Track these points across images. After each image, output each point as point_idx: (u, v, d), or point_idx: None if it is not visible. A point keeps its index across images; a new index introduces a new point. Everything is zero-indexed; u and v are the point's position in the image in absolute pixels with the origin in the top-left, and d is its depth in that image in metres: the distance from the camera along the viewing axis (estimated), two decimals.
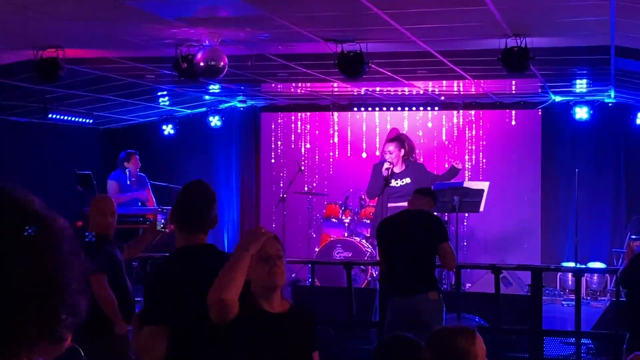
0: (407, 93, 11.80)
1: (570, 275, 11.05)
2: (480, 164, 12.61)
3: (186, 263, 3.80)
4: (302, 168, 12.63)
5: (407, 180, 9.82)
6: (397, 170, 9.88)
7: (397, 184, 9.93)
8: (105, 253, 5.44)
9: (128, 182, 10.81)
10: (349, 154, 13.10)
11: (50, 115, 11.26)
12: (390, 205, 9.90)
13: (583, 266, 10.59)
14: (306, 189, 12.61)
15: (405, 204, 9.83)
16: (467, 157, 12.66)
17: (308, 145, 13.29)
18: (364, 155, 12.97)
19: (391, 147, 9.86)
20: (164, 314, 3.64)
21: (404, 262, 6.31)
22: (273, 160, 13.41)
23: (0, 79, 8.99)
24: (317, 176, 13.14)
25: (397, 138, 10.18)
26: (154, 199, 11.14)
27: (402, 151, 9.87)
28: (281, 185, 13.04)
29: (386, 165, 9.88)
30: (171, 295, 3.67)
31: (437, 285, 6.48)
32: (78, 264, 1.30)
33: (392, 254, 6.40)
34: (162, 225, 6.42)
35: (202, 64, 7.10)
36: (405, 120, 12.85)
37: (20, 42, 7.37)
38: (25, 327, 1.22)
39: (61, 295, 1.25)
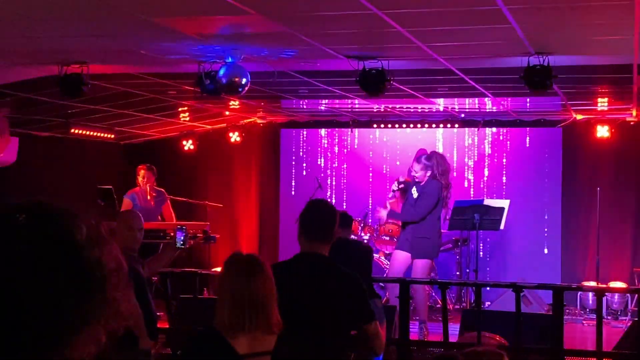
0: (427, 110, 11.80)
1: (591, 294, 10.97)
2: (501, 182, 12.57)
3: (294, 266, 4.35)
4: (321, 184, 12.63)
5: (416, 194, 9.80)
6: (420, 182, 9.89)
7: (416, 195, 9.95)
8: (132, 268, 5.47)
9: (148, 197, 10.83)
10: (369, 170, 13.09)
11: (72, 130, 11.34)
12: None
13: (604, 285, 10.52)
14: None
15: None
16: (487, 174, 12.63)
17: (328, 162, 13.30)
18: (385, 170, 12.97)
19: (417, 167, 9.85)
20: None
21: None
22: (292, 176, 13.43)
23: (23, 94, 9.07)
24: (336, 192, 13.14)
25: (426, 158, 9.95)
26: (173, 215, 11.15)
27: (429, 172, 9.74)
28: (301, 201, 13.03)
29: (394, 186, 9.99)
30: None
31: None
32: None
33: None
34: (181, 243, 6.42)
35: (224, 80, 7.14)
36: (425, 138, 12.83)
37: (45, 58, 7.44)
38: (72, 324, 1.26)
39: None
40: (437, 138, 12.81)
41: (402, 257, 9.90)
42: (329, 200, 4.63)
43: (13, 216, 1.29)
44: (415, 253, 9.60)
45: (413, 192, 9.85)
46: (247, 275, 3.50)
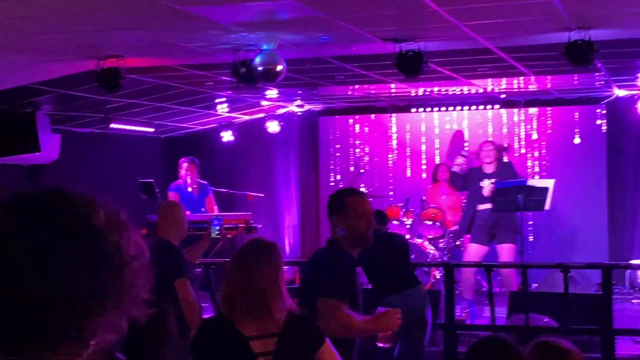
0: (466, 92, 11.66)
1: None
2: (545, 162, 12.41)
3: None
4: (362, 171, 12.58)
5: (493, 180, 9.89)
6: (489, 170, 10.02)
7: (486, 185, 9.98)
8: (186, 259, 5.51)
9: (190, 190, 10.87)
10: (408, 155, 13.00)
11: (111, 126, 11.39)
12: (480, 207, 9.94)
13: None
14: (366, 191, 12.54)
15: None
16: (529, 155, 12.47)
17: (367, 148, 13.23)
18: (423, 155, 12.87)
19: (489, 147, 10.21)
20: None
21: None
22: (332, 164, 13.37)
23: (63, 91, 9.12)
24: (377, 178, 13.06)
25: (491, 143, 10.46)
26: (215, 207, 11.17)
27: (495, 152, 10.20)
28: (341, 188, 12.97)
29: (459, 160, 10.18)
30: None
31: None
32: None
33: None
34: (217, 232, 6.39)
35: (260, 68, 7.10)
36: (465, 120, 12.70)
37: (82, 53, 7.45)
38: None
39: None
40: (478, 120, 12.66)
41: (477, 250, 9.90)
42: (356, 188, 5.07)
43: (30, 202, 1.28)
44: (508, 237, 9.92)
45: (487, 183, 10.00)
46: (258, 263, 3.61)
